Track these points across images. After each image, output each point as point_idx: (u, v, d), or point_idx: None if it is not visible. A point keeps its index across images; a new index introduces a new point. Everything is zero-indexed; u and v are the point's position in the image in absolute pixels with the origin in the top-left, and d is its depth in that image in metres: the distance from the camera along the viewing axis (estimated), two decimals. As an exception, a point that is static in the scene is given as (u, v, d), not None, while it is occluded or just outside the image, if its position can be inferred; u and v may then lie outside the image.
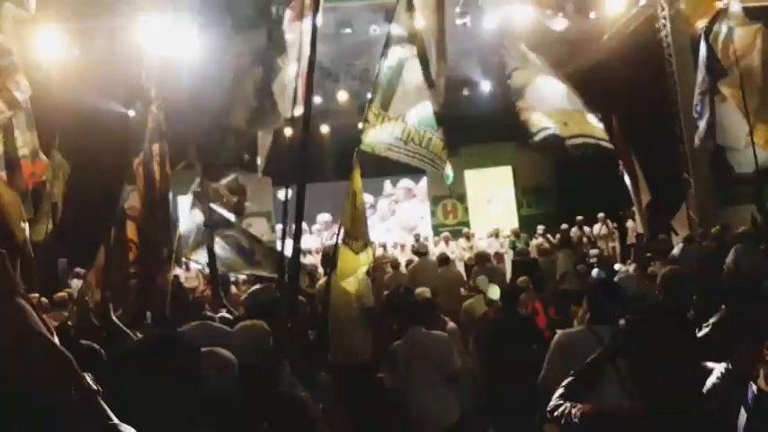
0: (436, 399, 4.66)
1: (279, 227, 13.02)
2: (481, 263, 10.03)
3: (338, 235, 5.51)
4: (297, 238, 4.33)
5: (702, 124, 9.79)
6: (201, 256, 6.51)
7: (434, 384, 4.67)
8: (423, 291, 6.91)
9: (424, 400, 4.63)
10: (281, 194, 10.47)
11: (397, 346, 4.77)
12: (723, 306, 4.16)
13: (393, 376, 4.76)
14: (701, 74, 9.60)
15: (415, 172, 14.26)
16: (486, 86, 15.79)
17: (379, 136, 5.59)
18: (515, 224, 16.64)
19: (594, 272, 7.55)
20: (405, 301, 5.27)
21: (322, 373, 4.41)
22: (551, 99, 6.93)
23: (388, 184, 18.49)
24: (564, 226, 13.72)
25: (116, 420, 1.27)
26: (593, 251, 11.30)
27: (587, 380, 2.30)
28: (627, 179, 10.29)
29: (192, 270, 11.82)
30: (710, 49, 8.30)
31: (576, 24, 12.76)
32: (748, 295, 3.91)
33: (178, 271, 11.98)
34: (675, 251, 8.30)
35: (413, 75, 5.60)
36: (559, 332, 3.78)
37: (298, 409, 2.97)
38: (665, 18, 12.93)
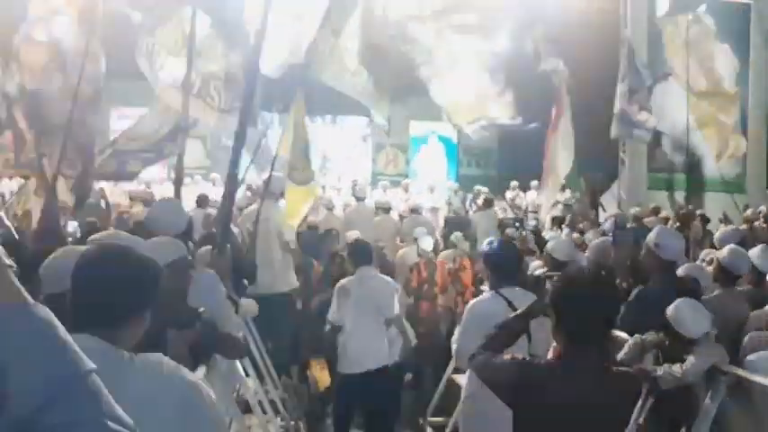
0: (375, 339, 4.76)
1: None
2: (415, 214, 10.14)
3: (272, 167, 5.41)
4: (234, 164, 4.26)
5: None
6: None
7: (376, 325, 4.77)
8: (352, 234, 6.95)
9: (364, 338, 4.72)
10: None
11: (348, 284, 4.80)
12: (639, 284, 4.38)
13: (339, 311, 4.80)
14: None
15: (361, 114, 13.99)
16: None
17: (326, 63, 5.39)
18: (454, 181, 16.79)
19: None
20: (358, 241, 5.28)
21: (245, 298, 4.40)
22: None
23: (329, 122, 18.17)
24: (482, 187, 13.83)
25: (30, 300, 1.16)
26: (532, 215, 11.55)
27: (508, 335, 2.35)
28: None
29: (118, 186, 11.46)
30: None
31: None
32: (664, 276, 4.10)
33: (104, 184, 11.58)
34: (606, 225, 8.63)
35: None
36: (470, 303, 3.77)
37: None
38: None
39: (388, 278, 5.12)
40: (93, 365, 1.20)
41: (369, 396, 4.70)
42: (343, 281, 4.89)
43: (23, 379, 1.11)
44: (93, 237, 2.60)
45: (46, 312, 1.15)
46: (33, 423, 1.12)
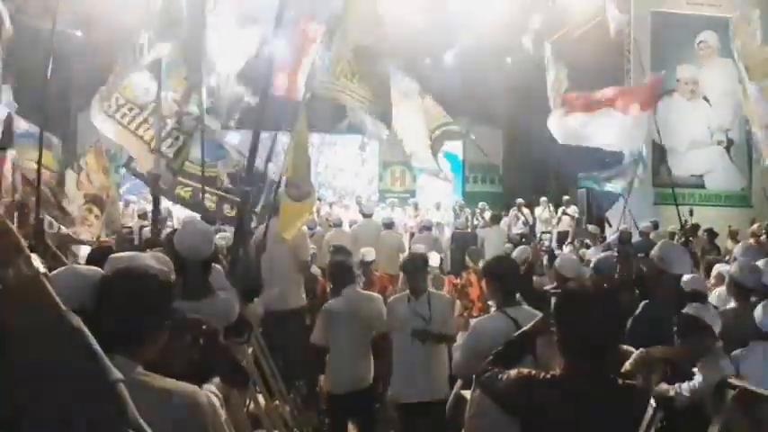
0: (361, 359, 4.77)
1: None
2: (424, 231, 10.24)
3: (278, 185, 5.45)
4: (248, 182, 4.34)
5: None
6: None
7: (362, 345, 4.77)
8: (367, 251, 7.04)
9: (351, 359, 4.73)
10: (228, 138, 10.20)
11: (335, 305, 4.79)
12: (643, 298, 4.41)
13: (324, 333, 4.80)
14: None
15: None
16: (449, 58, 15.71)
17: (324, 77, 5.42)
18: (459, 198, 16.87)
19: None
20: (339, 260, 5.29)
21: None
22: None
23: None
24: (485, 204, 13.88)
25: (63, 306, 1.19)
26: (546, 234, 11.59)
27: (514, 351, 2.39)
28: None
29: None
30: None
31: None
32: (669, 290, 4.12)
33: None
34: (610, 239, 8.66)
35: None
36: (474, 320, 3.75)
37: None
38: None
39: (374, 294, 5.15)
40: (120, 375, 1.23)
41: (353, 414, 4.74)
42: (329, 303, 4.88)
43: (55, 387, 1.13)
44: (112, 256, 2.63)
45: (78, 322, 1.19)
46: None
